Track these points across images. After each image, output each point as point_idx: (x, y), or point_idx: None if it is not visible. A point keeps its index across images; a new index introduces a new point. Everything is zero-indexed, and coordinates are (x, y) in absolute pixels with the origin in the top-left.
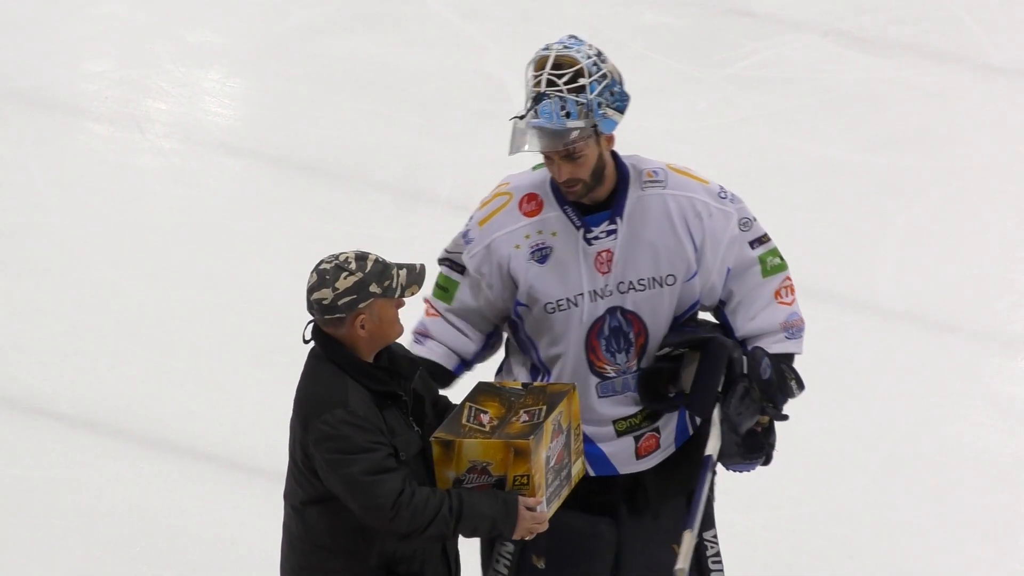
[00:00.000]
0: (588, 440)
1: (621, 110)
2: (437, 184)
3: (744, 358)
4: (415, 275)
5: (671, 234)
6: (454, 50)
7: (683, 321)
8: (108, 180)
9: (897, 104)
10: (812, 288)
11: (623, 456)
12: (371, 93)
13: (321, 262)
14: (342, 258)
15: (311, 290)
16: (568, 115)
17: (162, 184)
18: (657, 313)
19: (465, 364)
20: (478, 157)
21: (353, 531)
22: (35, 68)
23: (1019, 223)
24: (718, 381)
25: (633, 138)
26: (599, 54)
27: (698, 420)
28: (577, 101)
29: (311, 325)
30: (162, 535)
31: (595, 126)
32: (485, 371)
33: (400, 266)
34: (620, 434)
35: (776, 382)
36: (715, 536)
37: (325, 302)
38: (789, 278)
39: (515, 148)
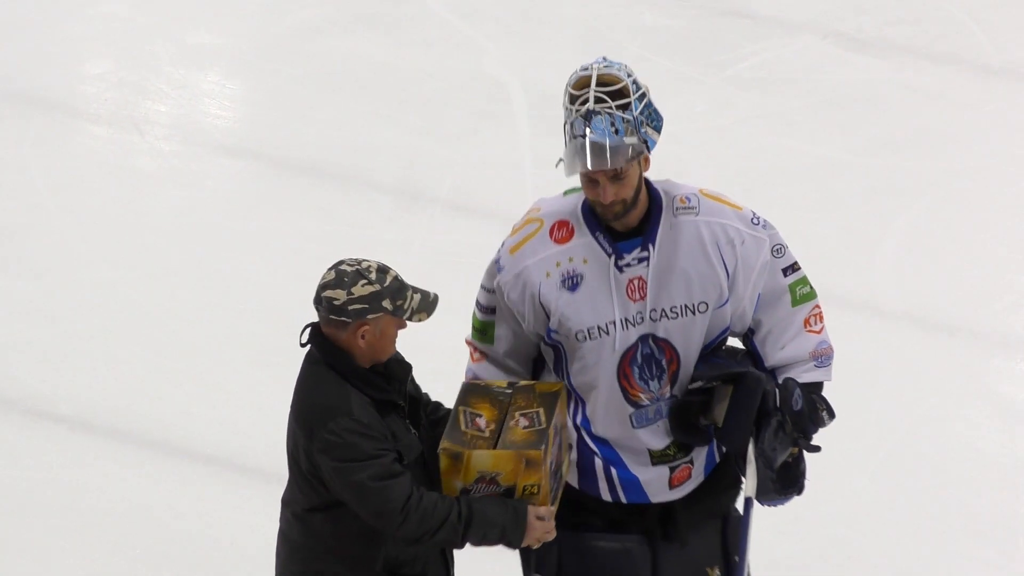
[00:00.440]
0: (622, 465)
1: (658, 129)
2: (436, 185)
3: (776, 390)
4: (428, 303)
5: (704, 261)
6: (453, 50)
7: (713, 350)
8: (107, 181)
9: (896, 105)
10: None
11: (657, 485)
12: (370, 93)
13: (342, 262)
14: (364, 265)
15: (325, 286)
16: (617, 132)
17: (161, 186)
18: (689, 340)
19: None
20: (478, 158)
21: (359, 536)
22: (34, 69)
23: (1018, 224)
24: (752, 417)
25: None
26: (633, 73)
27: (723, 449)
28: (624, 118)
29: (308, 329)
30: (161, 536)
31: (645, 143)
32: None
33: (416, 290)
34: (655, 463)
35: (807, 413)
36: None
37: (336, 303)
38: (818, 306)
39: (573, 169)
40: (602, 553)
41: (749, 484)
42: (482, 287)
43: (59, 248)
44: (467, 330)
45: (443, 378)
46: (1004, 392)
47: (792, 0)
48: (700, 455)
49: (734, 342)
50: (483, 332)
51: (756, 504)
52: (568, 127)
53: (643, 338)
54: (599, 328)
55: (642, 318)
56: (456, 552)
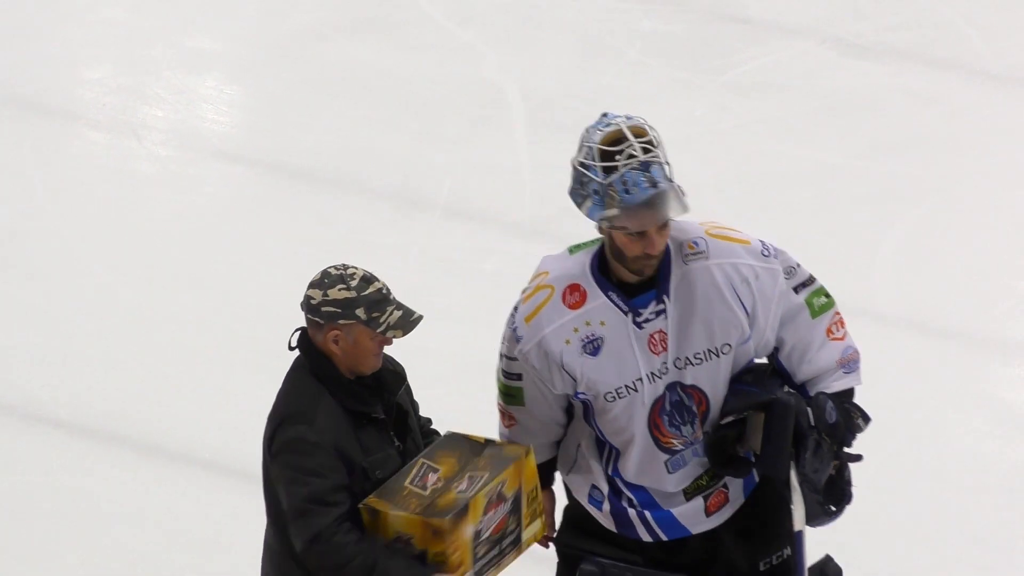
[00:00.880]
0: (656, 506)
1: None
2: (434, 190)
3: (808, 408)
4: (407, 321)
5: (722, 305)
6: (451, 56)
7: (738, 375)
8: (105, 186)
9: (894, 110)
10: None
11: (694, 516)
12: (368, 99)
13: (332, 266)
14: (349, 272)
15: (309, 285)
16: (671, 180)
17: (159, 190)
18: (716, 381)
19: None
20: (476, 162)
21: None
22: (33, 74)
23: (1016, 229)
24: (789, 442)
25: None
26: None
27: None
28: (668, 164)
29: (298, 333)
30: (160, 540)
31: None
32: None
33: (400, 307)
34: (689, 497)
35: (843, 423)
36: None
37: (312, 302)
38: (838, 312)
39: (645, 223)
40: None
41: (797, 515)
42: (503, 355)
43: (58, 251)
44: (464, 333)
45: (441, 383)
46: (1003, 397)
47: (790, 5)
48: (734, 479)
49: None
50: (513, 396)
51: (808, 531)
52: (617, 182)
53: (670, 387)
54: (627, 387)
55: (667, 368)
56: None
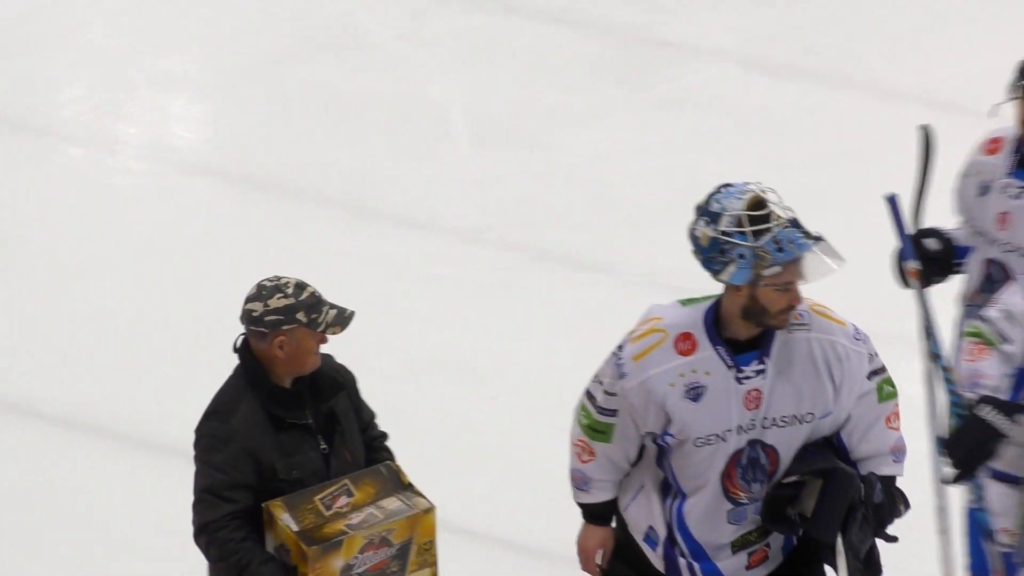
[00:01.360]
0: (705, 558)
1: None
2: (387, 200)
3: (861, 485)
4: (342, 318)
5: (814, 376)
6: (402, 78)
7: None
8: (83, 196)
9: (803, 126)
10: None
11: (736, 570)
12: (326, 117)
13: (264, 279)
14: (283, 281)
15: (246, 300)
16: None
17: (132, 200)
18: (791, 446)
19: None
20: (424, 175)
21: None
22: (17, 93)
23: None
24: (843, 511)
25: (566, 157)
26: None
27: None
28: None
29: (242, 338)
30: (163, 534)
31: None
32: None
33: (333, 306)
34: (735, 551)
35: (887, 506)
36: None
37: (254, 314)
38: (898, 404)
39: (819, 275)
40: None
41: None
42: (604, 392)
43: (39, 258)
44: (418, 331)
45: (395, 382)
46: (904, 390)
47: (708, 30)
48: (777, 537)
49: None
50: (602, 433)
51: None
52: (768, 243)
53: (752, 443)
54: (716, 435)
55: (754, 425)
56: None
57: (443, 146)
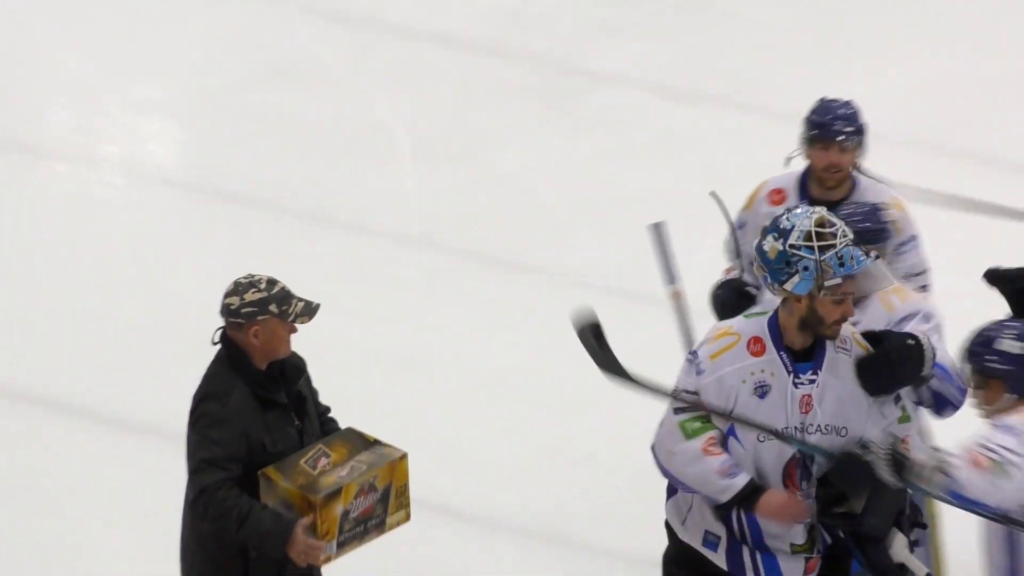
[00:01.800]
0: (768, 552)
1: None
2: (339, 210)
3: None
4: (310, 309)
5: (857, 395)
6: (351, 101)
7: None
8: (68, 207)
9: (709, 145)
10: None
11: (793, 571)
12: (283, 136)
13: (239, 277)
14: (256, 278)
15: (224, 295)
16: None
17: (112, 211)
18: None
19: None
20: (372, 188)
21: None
22: (5, 116)
23: None
24: (894, 509)
25: (498, 171)
26: None
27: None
28: None
29: (221, 331)
30: (134, 509)
31: None
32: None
33: (301, 299)
34: (794, 552)
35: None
36: None
37: (232, 307)
38: (911, 428)
39: (882, 286)
40: None
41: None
42: (684, 390)
43: (26, 260)
44: (370, 327)
45: (345, 372)
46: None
47: (624, 57)
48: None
49: None
50: (705, 422)
51: None
52: (832, 258)
53: None
54: (777, 432)
55: (803, 427)
56: None
57: (388, 161)
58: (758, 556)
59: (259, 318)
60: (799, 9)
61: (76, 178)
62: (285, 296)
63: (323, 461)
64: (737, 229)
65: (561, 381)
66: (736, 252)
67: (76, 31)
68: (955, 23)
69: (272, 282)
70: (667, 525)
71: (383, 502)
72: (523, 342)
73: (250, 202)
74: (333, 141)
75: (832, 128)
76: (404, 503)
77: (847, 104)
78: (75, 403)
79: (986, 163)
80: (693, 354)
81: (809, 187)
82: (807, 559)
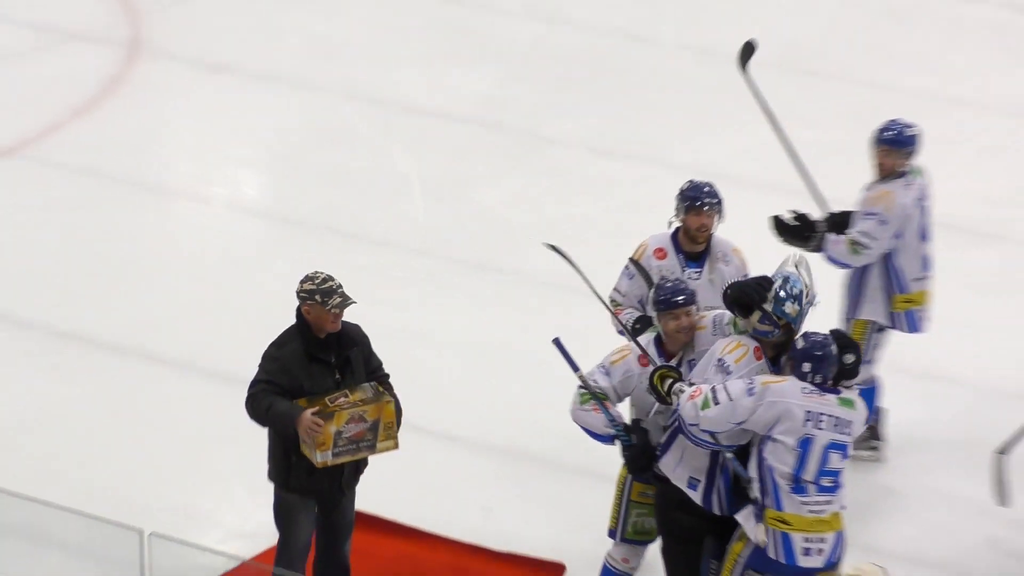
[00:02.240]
0: (730, 494)
1: None
2: (371, 231)
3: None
4: (344, 304)
5: None
6: (378, 156)
7: None
8: (188, 230)
9: (620, 190)
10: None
11: (745, 511)
12: (335, 182)
13: (311, 271)
14: (316, 274)
15: (299, 281)
16: None
17: (216, 232)
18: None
19: None
20: (393, 215)
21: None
22: (140, 165)
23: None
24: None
25: (479, 205)
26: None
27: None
28: None
29: (297, 305)
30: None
31: None
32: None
33: (341, 295)
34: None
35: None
36: None
37: (297, 290)
38: None
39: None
40: None
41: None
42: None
43: (160, 267)
44: (389, 312)
45: (378, 340)
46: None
47: (567, 126)
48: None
49: None
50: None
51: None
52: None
53: None
54: None
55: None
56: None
57: (404, 197)
58: (723, 496)
59: (308, 302)
60: (693, 87)
61: (192, 210)
62: (328, 290)
63: (342, 399)
64: (630, 271)
65: (525, 349)
66: (621, 295)
67: (195, 108)
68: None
69: (326, 279)
70: (657, 477)
71: (373, 431)
72: (496, 321)
73: (310, 225)
74: (366, 184)
75: (702, 200)
76: (392, 435)
77: (709, 184)
78: (182, 360)
79: None
80: (721, 360)
81: (680, 243)
82: (753, 500)
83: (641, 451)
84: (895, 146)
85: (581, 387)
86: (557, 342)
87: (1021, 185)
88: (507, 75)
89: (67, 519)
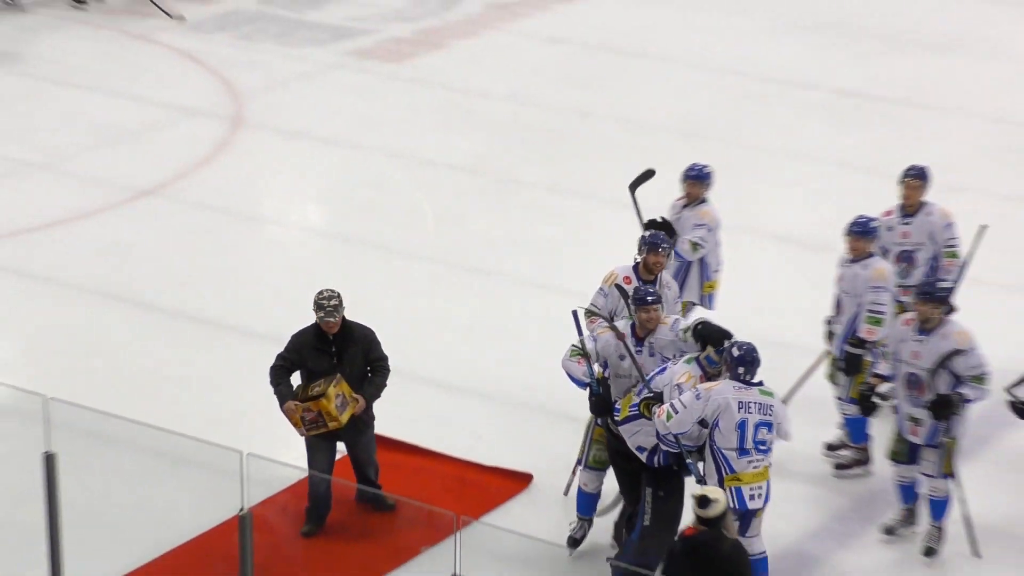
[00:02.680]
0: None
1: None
2: (394, 245)
3: None
4: (327, 318)
5: None
6: (403, 199)
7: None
8: (268, 248)
9: (574, 220)
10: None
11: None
12: (371, 217)
13: (323, 288)
14: (323, 291)
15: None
16: None
17: (290, 246)
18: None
19: None
20: (411, 237)
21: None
22: (264, 199)
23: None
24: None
25: (470, 229)
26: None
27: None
28: None
29: None
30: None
31: None
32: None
33: (328, 311)
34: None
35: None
36: None
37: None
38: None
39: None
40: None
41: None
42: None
43: (251, 276)
44: (406, 304)
45: (392, 326)
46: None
47: (533, 171)
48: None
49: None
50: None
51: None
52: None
53: None
54: None
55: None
56: None
57: (420, 225)
58: (662, 458)
59: (314, 309)
60: (622, 148)
61: (278, 233)
62: (320, 306)
63: (316, 389)
64: (605, 291)
65: (509, 327)
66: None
67: (278, 163)
68: None
69: (326, 297)
70: (611, 433)
71: (321, 417)
72: (487, 308)
73: (355, 241)
74: (396, 214)
75: (660, 245)
76: (334, 418)
77: (663, 234)
78: (269, 335)
79: None
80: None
81: (640, 273)
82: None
83: (603, 400)
84: (699, 180)
85: (574, 345)
86: (574, 313)
87: (841, 213)
88: (492, 138)
89: (192, 444)
